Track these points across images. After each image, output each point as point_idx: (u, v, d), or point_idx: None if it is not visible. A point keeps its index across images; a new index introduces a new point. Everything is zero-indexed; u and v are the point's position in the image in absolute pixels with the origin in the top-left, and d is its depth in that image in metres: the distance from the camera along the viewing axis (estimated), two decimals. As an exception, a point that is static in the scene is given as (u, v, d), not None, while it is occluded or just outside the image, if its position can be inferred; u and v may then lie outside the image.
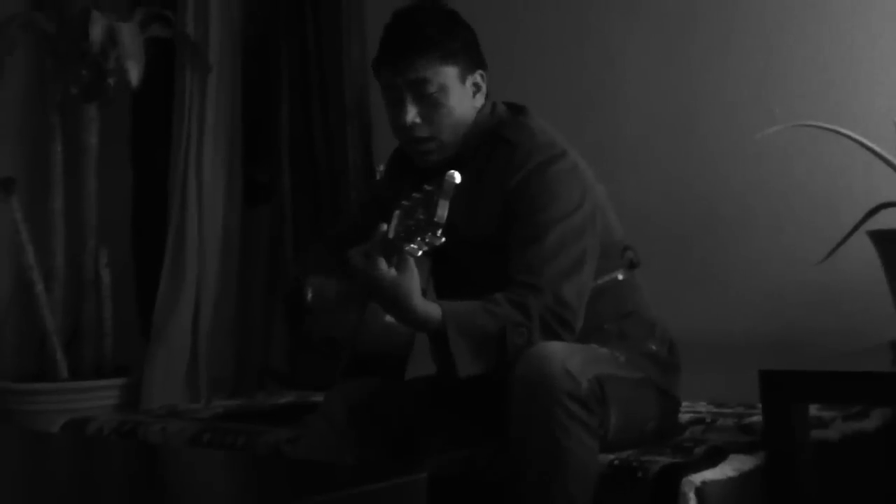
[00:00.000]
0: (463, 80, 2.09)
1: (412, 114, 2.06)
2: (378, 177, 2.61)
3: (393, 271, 1.85)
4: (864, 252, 2.05)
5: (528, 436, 1.84)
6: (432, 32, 2.06)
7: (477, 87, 2.12)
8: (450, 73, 2.06)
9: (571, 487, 1.83)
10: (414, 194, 1.83)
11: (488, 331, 1.90)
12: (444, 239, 1.78)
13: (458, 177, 1.77)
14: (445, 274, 2.11)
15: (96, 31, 3.36)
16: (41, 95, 3.75)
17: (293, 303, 2.28)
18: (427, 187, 1.79)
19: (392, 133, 2.15)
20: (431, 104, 2.06)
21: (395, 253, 1.85)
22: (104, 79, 3.47)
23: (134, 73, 3.33)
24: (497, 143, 2.09)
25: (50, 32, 3.52)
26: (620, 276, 2.14)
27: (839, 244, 2.03)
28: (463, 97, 2.09)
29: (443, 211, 1.75)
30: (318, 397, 2.49)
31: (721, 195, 2.78)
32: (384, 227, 1.87)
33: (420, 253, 1.82)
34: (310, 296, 2.21)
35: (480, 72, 2.12)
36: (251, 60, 3.62)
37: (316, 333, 2.22)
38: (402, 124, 2.07)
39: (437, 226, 1.75)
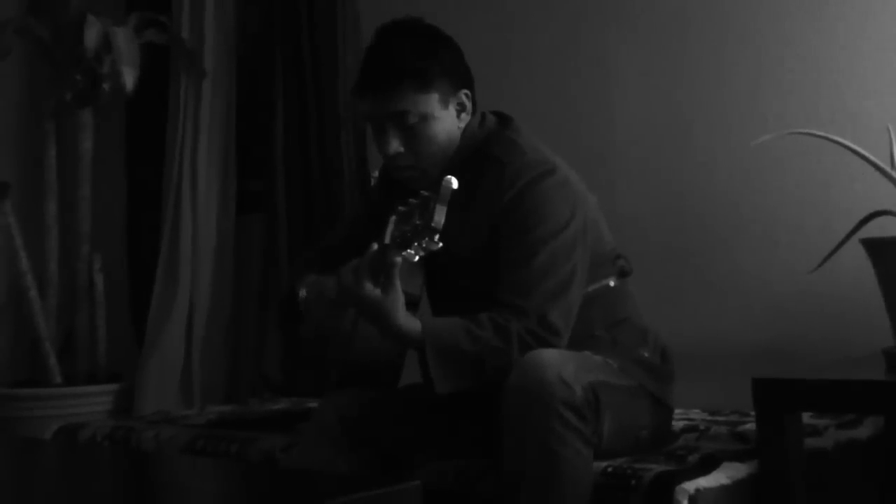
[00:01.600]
0: (445, 104, 2.07)
1: (395, 145, 2.05)
2: (373, 183, 2.61)
3: (378, 291, 1.88)
4: (857, 260, 2.05)
5: (522, 444, 1.84)
6: (409, 62, 2.02)
7: (462, 106, 2.10)
8: (430, 101, 2.04)
9: (566, 495, 1.83)
10: (410, 200, 1.83)
11: (466, 352, 1.91)
12: (441, 244, 1.78)
13: (455, 182, 1.77)
14: (439, 285, 2.12)
15: (91, 37, 3.36)
16: (35, 101, 3.75)
17: (287, 308, 2.28)
18: (424, 193, 1.80)
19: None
20: (413, 134, 2.04)
21: (382, 271, 1.85)
22: (99, 84, 3.46)
23: (129, 79, 3.33)
24: (486, 160, 2.08)
25: (44, 38, 3.52)
26: (612, 283, 2.14)
27: (832, 252, 2.03)
28: (446, 121, 2.07)
29: (440, 216, 1.75)
30: (312, 404, 2.49)
31: (715, 203, 2.79)
32: (374, 246, 1.89)
33: (417, 258, 1.84)
34: (303, 293, 2.21)
35: (465, 91, 2.10)
36: (246, 67, 3.62)
37: (309, 341, 2.22)
38: (385, 153, 2.07)
39: (435, 231, 1.76)
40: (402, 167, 2.08)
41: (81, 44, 3.36)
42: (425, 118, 2.04)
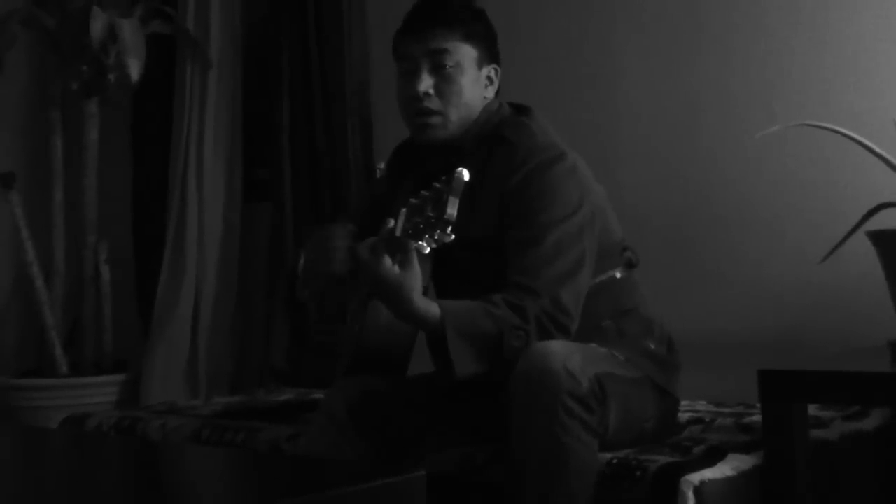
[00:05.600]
0: (479, 65, 2.11)
1: (426, 83, 2.07)
2: (378, 174, 2.61)
3: (396, 269, 1.86)
4: (863, 252, 2.05)
5: (528, 434, 1.84)
6: (460, 10, 2.11)
7: (490, 80, 2.14)
8: (468, 53, 2.09)
9: (572, 486, 1.83)
10: (422, 192, 1.83)
11: (487, 332, 1.91)
12: (453, 236, 1.78)
13: (466, 174, 1.77)
14: (445, 274, 2.12)
15: (97, 27, 3.36)
16: (42, 91, 3.75)
17: (292, 280, 2.28)
18: (436, 184, 1.79)
19: (399, 106, 2.14)
20: (445, 78, 2.08)
21: (399, 250, 1.85)
22: (105, 74, 3.47)
23: (134, 69, 3.34)
24: (497, 142, 2.09)
25: (51, 28, 3.52)
26: (618, 275, 2.14)
27: (839, 244, 2.03)
28: (476, 82, 2.11)
29: (453, 208, 1.75)
30: (318, 395, 2.49)
31: (721, 194, 2.78)
32: (391, 222, 1.87)
33: (428, 250, 1.83)
34: (302, 261, 2.22)
35: (496, 66, 2.15)
36: (252, 57, 3.62)
37: (317, 331, 2.23)
38: (413, 94, 2.08)
39: (448, 223, 1.75)
40: (427, 110, 2.08)
41: (87, 34, 3.36)
42: (460, 66, 2.08)
